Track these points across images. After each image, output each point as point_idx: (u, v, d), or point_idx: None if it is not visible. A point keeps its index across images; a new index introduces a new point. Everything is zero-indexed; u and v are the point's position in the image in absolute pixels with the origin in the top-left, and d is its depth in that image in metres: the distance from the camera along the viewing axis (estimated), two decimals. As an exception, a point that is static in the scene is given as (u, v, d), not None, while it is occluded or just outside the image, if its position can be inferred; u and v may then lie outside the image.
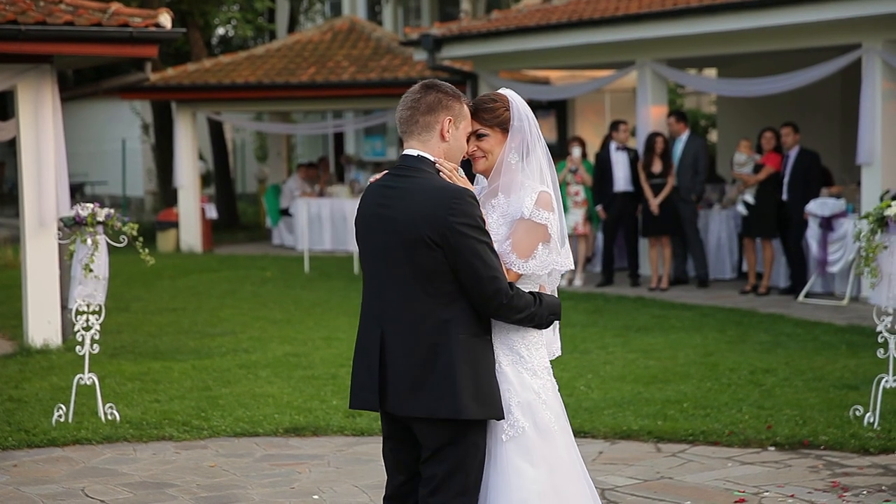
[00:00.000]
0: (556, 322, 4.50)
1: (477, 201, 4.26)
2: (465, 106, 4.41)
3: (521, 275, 4.35)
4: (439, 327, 4.24)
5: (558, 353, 4.61)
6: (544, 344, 4.45)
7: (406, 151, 4.38)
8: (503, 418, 4.31)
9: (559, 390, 4.46)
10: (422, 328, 4.26)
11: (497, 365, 4.34)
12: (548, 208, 4.36)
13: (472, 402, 4.23)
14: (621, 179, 15.94)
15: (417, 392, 4.27)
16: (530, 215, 4.33)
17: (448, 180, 4.31)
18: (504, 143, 4.44)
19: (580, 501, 4.38)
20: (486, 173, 4.50)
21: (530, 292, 4.33)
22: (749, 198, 14.89)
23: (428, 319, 4.25)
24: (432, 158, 4.34)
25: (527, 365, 4.36)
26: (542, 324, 4.36)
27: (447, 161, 4.36)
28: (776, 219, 14.81)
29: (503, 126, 4.44)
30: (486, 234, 4.24)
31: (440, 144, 4.35)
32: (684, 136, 15.72)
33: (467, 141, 4.44)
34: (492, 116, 4.44)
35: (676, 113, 16.38)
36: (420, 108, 4.34)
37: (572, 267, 4.55)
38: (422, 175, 4.31)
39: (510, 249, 4.33)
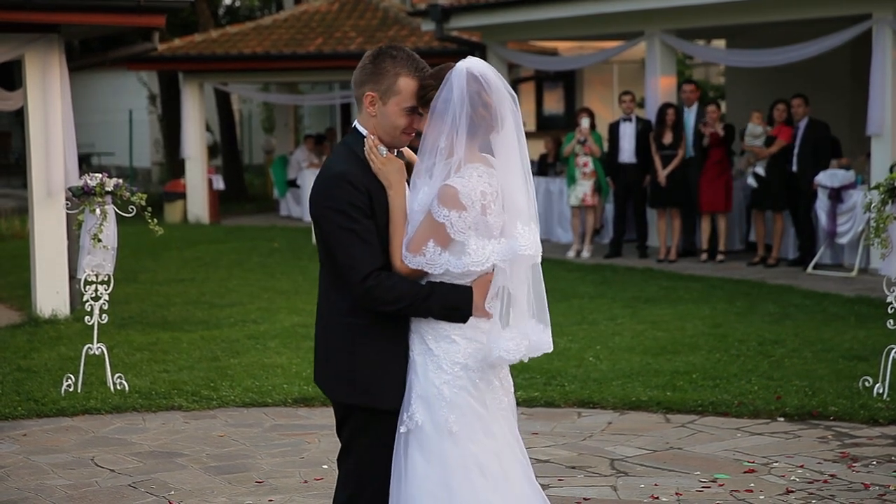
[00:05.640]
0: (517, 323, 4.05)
1: (354, 186, 3.96)
2: (407, 79, 4.04)
3: (415, 269, 3.98)
4: (330, 307, 4.15)
5: (510, 357, 3.99)
6: (464, 337, 4.01)
7: None
8: (384, 406, 4.06)
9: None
10: (321, 307, 4.21)
11: (411, 353, 4.09)
12: (450, 205, 3.91)
13: (344, 385, 4.09)
14: (626, 151, 15.94)
15: (317, 367, 4.26)
16: (431, 210, 3.95)
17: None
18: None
19: None
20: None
21: (428, 282, 3.99)
22: (760, 170, 14.84)
23: (325, 299, 4.19)
24: (364, 132, 4.10)
25: (433, 357, 4.03)
26: (436, 317, 4.00)
27: (373, 136, 4.08)
28: (786, 191, 14.78)
29: (428, 106, 4.01)
30: (356, 220, 3.95)
31: (369, 119, 4.10)
32: (694, 107, 15.69)
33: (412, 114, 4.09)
34: (421, 95, 4.05)
35: (695, 82, 16.38)
36: (355, 81, 4.15)
37: (474, 269, 3.98)
38: (339, 150, 4.17)
39: (408, 239, 4.02)
